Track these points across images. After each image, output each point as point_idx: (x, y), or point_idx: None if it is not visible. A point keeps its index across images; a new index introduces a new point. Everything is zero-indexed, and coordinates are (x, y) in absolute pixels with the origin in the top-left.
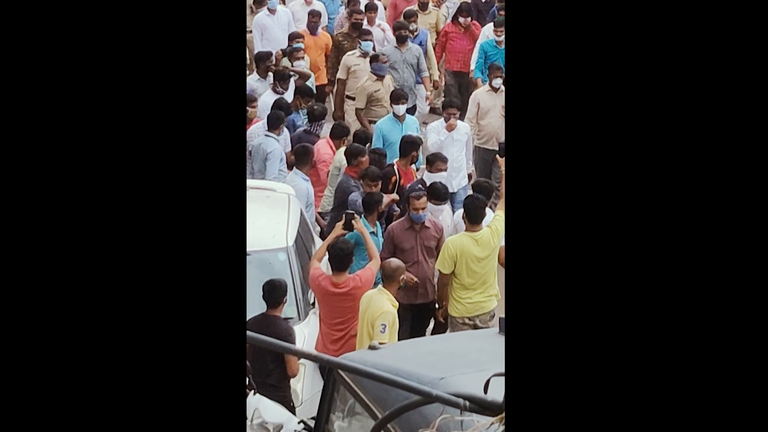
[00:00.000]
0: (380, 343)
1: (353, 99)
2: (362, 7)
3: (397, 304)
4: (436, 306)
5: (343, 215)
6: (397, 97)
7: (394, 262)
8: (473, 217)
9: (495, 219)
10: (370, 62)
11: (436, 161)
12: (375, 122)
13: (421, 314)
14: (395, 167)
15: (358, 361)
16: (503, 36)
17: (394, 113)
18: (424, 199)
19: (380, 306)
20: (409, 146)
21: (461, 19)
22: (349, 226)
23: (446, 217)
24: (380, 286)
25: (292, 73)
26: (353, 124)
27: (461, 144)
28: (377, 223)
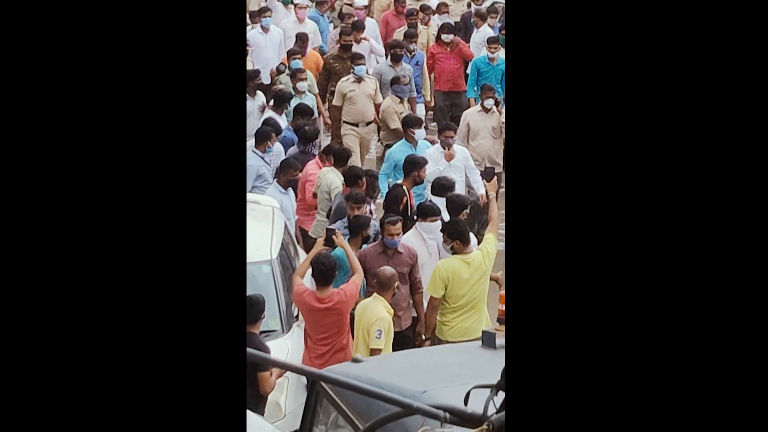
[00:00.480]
0: (375, 350)
1: (351, 125)
2: (350, 27)
3: (392, 311)
4: (423, 337)
5: (325, 230)
6: (413, 122)
7: (389, 270)
8: (462, 240)
9: (486, 241)
10: (391, 84)
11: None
12: (392, 145)
13: (395, 343)
14: (404, 188)
15: (341, 374)
16: (497, 53)
17: (409, 138)
18: (399, 225)
19: (376, 312)
20: (411, 166)
21: (444, 37)
22: (330, 242)
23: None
24: (375, 294)
25: (293, 94)
26: (353, 148)
27: (460, 170)
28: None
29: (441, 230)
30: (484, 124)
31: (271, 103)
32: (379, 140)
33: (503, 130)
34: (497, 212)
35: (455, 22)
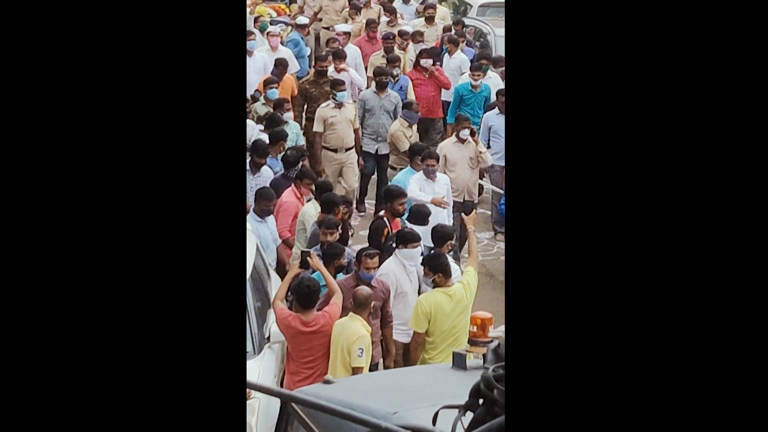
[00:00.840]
0: (357, 368)
1: (331, 150)
2: (328, 53)
3: (369, 328)
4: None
5: (300, 252)
6: (421, 150)
7: (366, 290)
8: (445, 273)
9: (466, 274)
10: (403, 108)
11: (418, 219)
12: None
13: None
14: (385, 220)
15: (311, 395)
16: (480, 80)
17: (416, 165)
18: (377, 258)
19: (356, 331)
20: (387, 197)
21: (423, 62)
22: (305, 264)
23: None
24: (351, 313)
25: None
26: (332, 175)
27: (445, 195)
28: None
29: (422, 263)
30: (461, 155)
31: (263, 126)
32: (388, 165)
33: (480, 159)
34: (476, 246)
35: (424, 49)
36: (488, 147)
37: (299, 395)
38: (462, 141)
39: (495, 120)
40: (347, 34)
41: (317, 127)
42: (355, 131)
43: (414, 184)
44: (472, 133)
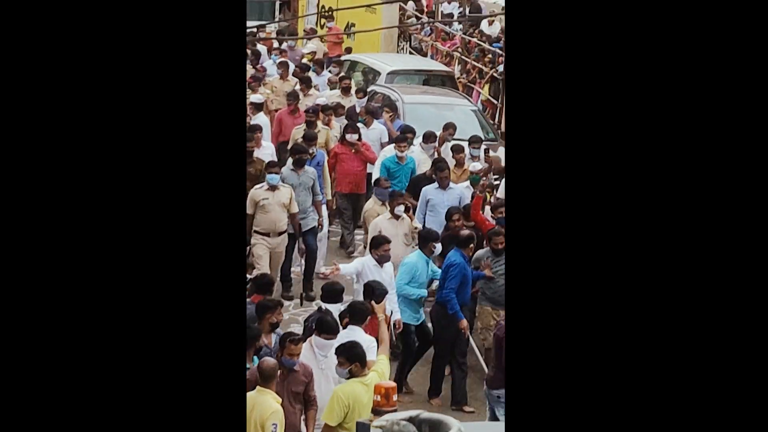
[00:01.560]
0: None
1: (263, 234)
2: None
3: (280, 399)
4: None
5: None
6: (434, 237)
7: (271, 361)
8: (362, 362)
9: (379, 362)
10: (374, 185)
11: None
12: None
13: None
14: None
15: None
16: (405, 151)
17: (428, 251)
18: (302, 345)
19: (268, 406)
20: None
21: (348, 136)
22: None
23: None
24: (258, 387)
25: None
26: (263, 263)
27: (390, 281)
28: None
29: (336, 353)
30: (396, 232)
31: None
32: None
33: (415, 236)
34: (387, 333)
35: (349, 122)
36: (424, 222)
37: None
38: (397, 217)
39: (434, 194)
40: (254, 104)
41: (249, 210)
42: (293, 216)
43: (357, 267)
44: (407, 209)
